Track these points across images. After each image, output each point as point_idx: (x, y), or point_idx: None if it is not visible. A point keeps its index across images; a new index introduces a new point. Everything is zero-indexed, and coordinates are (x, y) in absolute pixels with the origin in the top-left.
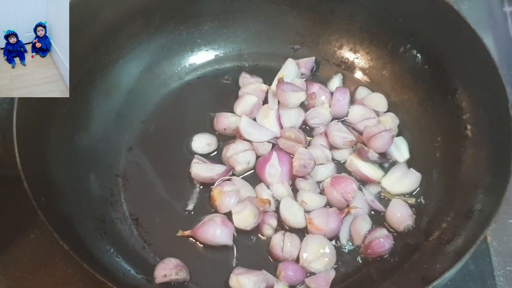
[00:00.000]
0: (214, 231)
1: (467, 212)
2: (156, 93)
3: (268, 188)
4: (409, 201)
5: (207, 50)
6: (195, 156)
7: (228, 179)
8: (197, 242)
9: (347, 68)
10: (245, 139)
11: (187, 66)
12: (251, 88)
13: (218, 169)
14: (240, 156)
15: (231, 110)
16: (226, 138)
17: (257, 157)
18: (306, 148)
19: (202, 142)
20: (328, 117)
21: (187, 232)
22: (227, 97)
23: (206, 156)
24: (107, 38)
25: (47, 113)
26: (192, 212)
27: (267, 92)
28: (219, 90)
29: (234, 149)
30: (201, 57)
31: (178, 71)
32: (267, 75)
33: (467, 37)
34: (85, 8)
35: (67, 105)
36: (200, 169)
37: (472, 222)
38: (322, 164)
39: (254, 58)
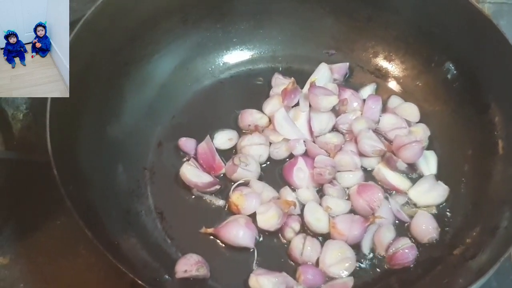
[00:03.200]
0: (237, 232)
1: (493, 228)
2: (188, 89)
3: (293, 191)
4: (432, 212)
5: (241, 49)
6: (190, 159)
7: (244, 184)
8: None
9: (381, 76)
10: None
11: (221, 64)
12: (283, 88)
13: (205, 178)
14: (253, 148)
15: (261, 110)
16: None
17: (289, 156)
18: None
19: (223, 138)
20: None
21: (210, 230)
22: (258, 97)
23: (229, 151)
24: (144, 31)
25: (80, 102)
26: (225, 208)
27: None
28: (251, 90)
29: (250, 140)
30: (236, 56)
31: (212, 69)
32: (300, 78)
33: (505, 53)
34: (124, 0)
35: (101, 96)
36: (188, 172)
37: (497, 239)
38: (350, 171)
39: (288, 61)
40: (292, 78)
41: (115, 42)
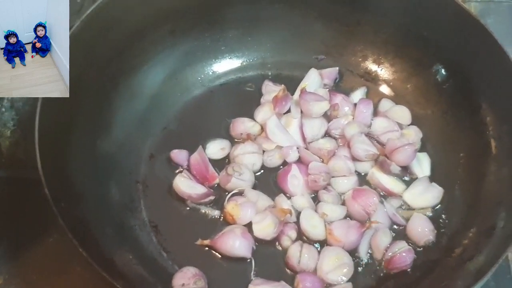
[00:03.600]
0: (233, 243)
1: (489, 229)
2: (179, 100)
3: (288, 199)
4: (427, 214)
5: (230, 58)
6: (183, 170)
7: (239, 193)
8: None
9: (371, 79)
10: (260, 138)
11: (211, 73)
12: (274, 95)
13: (199, 189)
14: (246, 156)
15: (252, 118)
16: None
17: (283, 163)
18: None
19: (216, 148)
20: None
21: (206, 242)
22: (249, 105)
23: (222, 161)
24: (132, 43)
25: (69, 116)
26: (221, 219)
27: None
28: (242, 98)
29: (242, 149)
30: (225, 64)
31: (201, 78)
32: (291, 84)
33: (493, 52)
34: (111, 12)
35: (90, 109)
36: (182, 184)
37: (494, 239)
38: (344, 176)
39: (278, 67)
40: (283, 85)
41: (103, 55)
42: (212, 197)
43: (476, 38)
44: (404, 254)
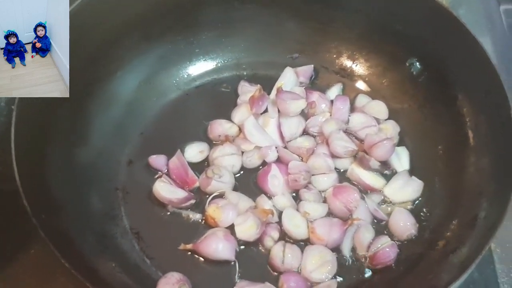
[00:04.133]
0: (217, 246)
1: (471, 220)
2: (155, 104)
3: (270, 199)
4: (408, 207)
5: (205, 60)
6: (163, 175)
7: (220, 196)
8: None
9: (346, 75)
10: (238, 139)
11: (185, 76)
12: (250, 96)
13: (180, 193)
14: (225, 158)
15: (229, 119)
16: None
17: (262, 163)
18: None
19: (194, 151)
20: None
21: (189, 246)
22: (225, 106)
23: (201, 164)
24: (105, 49)
25: (45, 126)
26: (202, 222)
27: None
28: (218, 100)
29: (221, 151)
30: (200, 67)
31: (177, 81)
32: (267, 84)
33: (467, 43)
34: (83, 19)
35: (66, 119)
36: (162, 189)
37: (477, 230)
38: (324, 173)
39: (253, 67)
40: (259, 85)
41: (77, 62)
42: (193, 201)
43: (449, 30)
44: (387, 249)
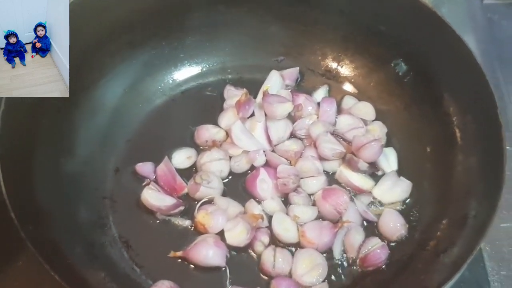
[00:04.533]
0: (207, 252)
1: (461, 219)
2: (141, 111)
3: (259, 204)
4: (397, 207)
5: (190, 64)
6: (151, 183)
7: (208, 201)
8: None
9: (332, 77)
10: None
11: (171, 81)
12: (236, 100)
13: (168, 200)
14: (213, 164)
15: (216, 124)
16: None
17: (250, 168)
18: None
19: (182, 157)
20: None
21: (179, 253)
22: (212, 111)
23: (189, 169)
24: (89, 57)
25: (31, 137)
26: (192, 229)
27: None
28: (204, 105)
29: (209, 156)
30: (185, 72)
31: (162, 87)
32: (252, 87)
33: (450, 41)
34: None
35: (51, 128)
36: (150, 196)
37: (467, 230)
38: (313, 176)
39: (238, 71)
40: (244, 89)
41: None
42: (181, 208)
43: (433, 29)
44: (378, 251)
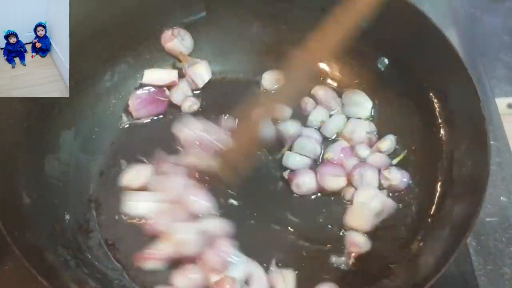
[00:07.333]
0: None
1: (446, 214)
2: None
3: None
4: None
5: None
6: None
7: None
8: None
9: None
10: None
11: None
12: None
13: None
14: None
15: None
16: None
17: None
18: None
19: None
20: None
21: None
22: None
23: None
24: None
25: (13, 142)
26: None
27: None
28: None
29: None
30: None
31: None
32: (235, 87)
33: (433, 37)
34: None
35: (34, 134)
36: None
37: (452, 226)
38: None
39: (221, 72)
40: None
41: None
42: None
43: (416, 24)
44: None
